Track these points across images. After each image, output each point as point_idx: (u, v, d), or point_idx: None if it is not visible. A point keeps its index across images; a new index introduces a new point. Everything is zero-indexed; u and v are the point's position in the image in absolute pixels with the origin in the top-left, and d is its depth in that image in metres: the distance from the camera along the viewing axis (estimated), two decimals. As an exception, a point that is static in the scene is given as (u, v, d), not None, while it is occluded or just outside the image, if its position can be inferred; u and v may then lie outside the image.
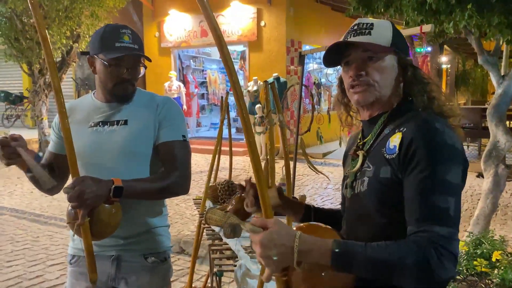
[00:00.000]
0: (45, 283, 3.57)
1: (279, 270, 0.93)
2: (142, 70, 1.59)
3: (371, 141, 1.14)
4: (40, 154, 1.51)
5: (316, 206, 1.38)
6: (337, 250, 0.91)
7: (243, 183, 1.36)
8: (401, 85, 1.13)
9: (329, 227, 1.10)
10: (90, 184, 1.32)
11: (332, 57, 1.16)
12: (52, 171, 1.59)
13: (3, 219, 5.33)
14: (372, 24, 1.11)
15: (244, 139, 0.87)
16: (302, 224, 1.13)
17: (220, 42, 0.86)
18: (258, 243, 0.91)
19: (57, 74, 1.37)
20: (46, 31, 1.32)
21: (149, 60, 1.59)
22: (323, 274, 0.94)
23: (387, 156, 1.04)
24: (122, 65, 1.51)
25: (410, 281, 0.90)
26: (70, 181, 1.39)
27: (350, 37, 1.12)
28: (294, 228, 1.01)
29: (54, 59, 1.41)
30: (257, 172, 0.93)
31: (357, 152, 1.16)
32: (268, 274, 0.92)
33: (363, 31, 1.10)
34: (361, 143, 1.18)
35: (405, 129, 1.03)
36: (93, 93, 1.66)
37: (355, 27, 1.13)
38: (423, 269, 0.88)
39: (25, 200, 6.12)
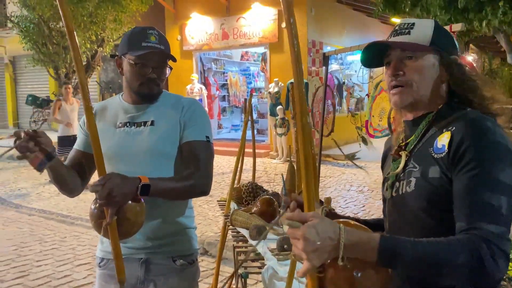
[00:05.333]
0: (73, 282, 3.65)
1: (319, 265, 0.88)
2: (167, 71, 1.60)
3: (415, 142, 1.11)
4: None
5: (361, 219, 1.32)
6: (384, 245, 0.86)
7: (285, 198, 1.32)
8: (443, 85, 1.10)
9: (360, 224, 1.05)
10: (118, 182, 1.30)
11: (375, 58, 1.16)
12: (77, 170, 1.59)
13: (32, 220, 5.47)
14: (413, 24, 1.11)
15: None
16: (334, 220, 1.08)
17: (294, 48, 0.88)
18: (301, 237, 0.85)
19: (83, 68, 1.36)
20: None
21: (174, 60, 1.59)
22: (359, 274, 0.89)
23: (435, 156, 1.02)
24: (147, 64, 1.53)
25: (461, 280, 0.87)
26: (93, 179, 1.38)
27: (390, 38, 1.12)
28: None
29: (80, 52, 1.40)
30: (306, 161, 0.92)
31: (400, 153, 1.13)
32: (307, 269, 0.87)
33: (403, 31, 1.10)
34: (403, 143, 1.15)
35: (454, 128, 1.01)
36: (121, 95, 1.68)
37: (397, 28, 1.13)
38: (476, 267, 0.85)
39: (53, 201, 6.27)
